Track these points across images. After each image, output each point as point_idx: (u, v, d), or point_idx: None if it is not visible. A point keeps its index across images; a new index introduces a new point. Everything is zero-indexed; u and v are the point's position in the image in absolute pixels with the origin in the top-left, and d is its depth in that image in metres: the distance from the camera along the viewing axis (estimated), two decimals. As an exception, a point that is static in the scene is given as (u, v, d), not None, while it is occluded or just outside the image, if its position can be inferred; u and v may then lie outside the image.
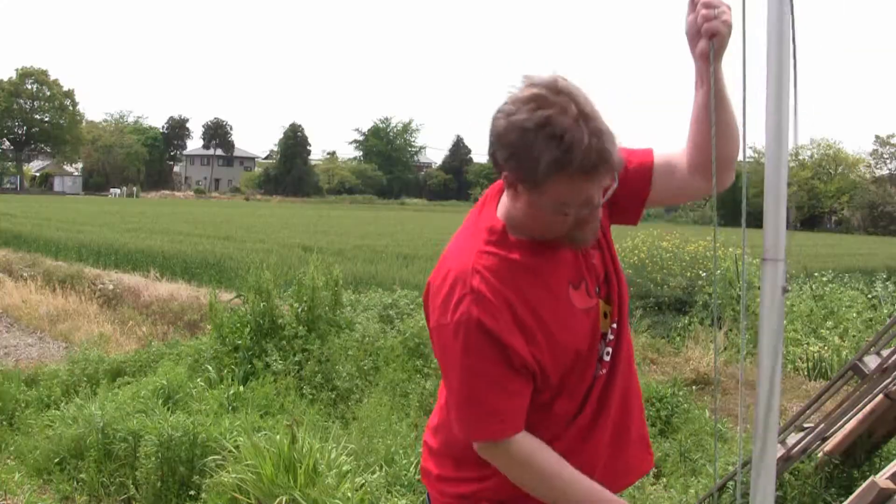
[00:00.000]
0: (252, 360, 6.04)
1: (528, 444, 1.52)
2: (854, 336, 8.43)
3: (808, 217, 53.48)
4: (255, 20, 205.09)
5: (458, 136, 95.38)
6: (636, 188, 1.69)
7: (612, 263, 1.69)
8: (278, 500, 3.78)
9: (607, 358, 1.64)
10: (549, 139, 1.36)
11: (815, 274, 12.64)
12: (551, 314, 1.52)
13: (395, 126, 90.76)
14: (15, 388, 6.29)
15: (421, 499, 4.04)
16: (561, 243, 1.55)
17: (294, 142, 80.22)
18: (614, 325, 1.66)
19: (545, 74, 1.42)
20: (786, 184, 1.24)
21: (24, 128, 71.24)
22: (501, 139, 1.41)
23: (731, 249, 10.76)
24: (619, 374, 1.67)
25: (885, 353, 3.27)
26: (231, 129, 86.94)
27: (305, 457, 3.95)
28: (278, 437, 4.20)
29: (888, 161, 61.75)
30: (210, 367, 6.07)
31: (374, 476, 4.13)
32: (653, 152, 1.71)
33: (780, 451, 3.47)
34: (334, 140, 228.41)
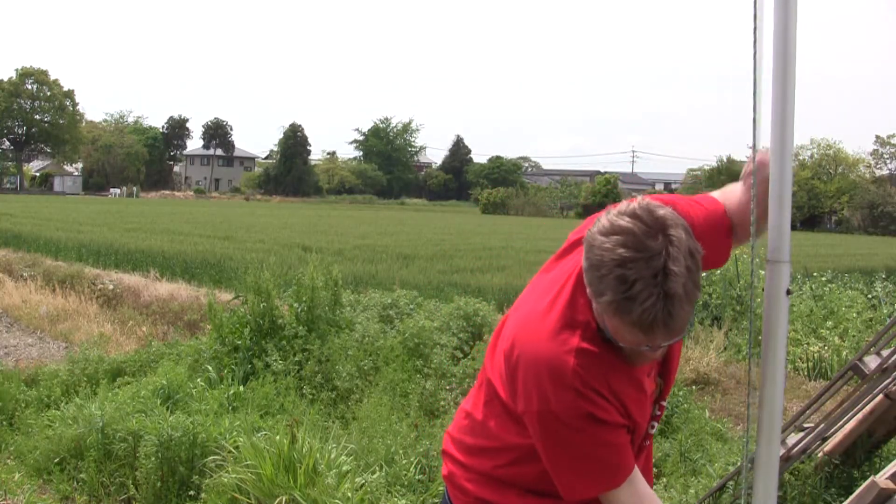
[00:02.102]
0: (252, 360, 6.04)
1: (640, 474, 1.61)
2: (854, 336, 8.43)
3: (808, 217, 53.47)
4: (254, 20, 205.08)
5: (458, 136, 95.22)
6: (718, 245, 1.79)
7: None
8: (278, 500, 3.78)
9: (652, 431, 1.72)
10: (619, 282, 1.34)
11: (815, 274, 12.64)
12: (634, 404, 1.57)
13: (395, 126, 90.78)
14: (15, 388, 6.28)
15: (421, 499, 4.04)
16: None
17: (294, 142, 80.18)
18: (663, 403, 1.74)
19: (661, 205, 1.40)
20: (790, 187, 1.24)
21: (24, 128, 71.19)
22: (586, 251, 1.40)
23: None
24: (652, 442, 1.79)
25: (885, 353, 3.27)
26: (231, 129, 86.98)
27: (305, 457, 3.95)
28: (278, 437, 4.19)
29: (888, 161, 61.79)
30: (210, 367, 6.06)
31: (374, 476, 4.13)
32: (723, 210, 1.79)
33: (781, 451, 3.47)
34: (334, 140, 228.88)
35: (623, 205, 1.41)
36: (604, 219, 1.40)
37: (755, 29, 1.16)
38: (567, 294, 1.57)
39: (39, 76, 70.50)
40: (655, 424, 1.73)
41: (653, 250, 1.33)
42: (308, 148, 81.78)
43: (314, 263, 6.72)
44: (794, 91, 1.22)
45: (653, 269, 1.32)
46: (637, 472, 1.59)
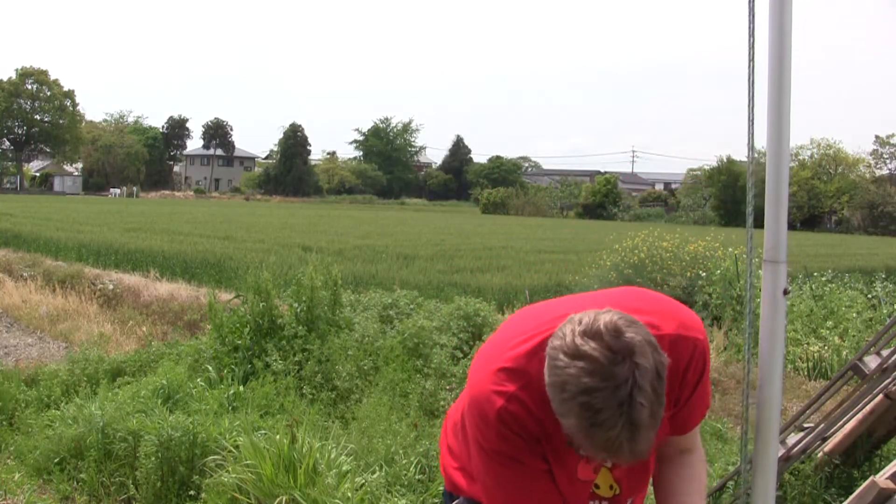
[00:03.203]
0: (252, 360, 6.04)
1: None
2: (854, 336, 8.42)
3: (808, 217, 53.47)
4: (254, 20, 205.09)
5: (458, 136, 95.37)
6: (688, 423, 1.68)
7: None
8: (278, 500, 3.78)
9: None
10: (583, 409, 1.31)
11: (815, 274, 12.64)
12: (560, 470, 1.59)
13: (395, 126, 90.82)
14: (15, 388, 6.28)
15: (421, 498, 4.04)
16: None
17: (294, 142, 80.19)
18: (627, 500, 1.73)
19: (630, 323, 1.34)
20: (787, 188, 1.24)
21: (24, 128, 71.21)
22: (549, 367, 1.36)
23: (730, 249, 10.76)
24: None
25: (885, 352, 3.27)
26: (231, 129, 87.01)
27: (305, 457, 3.95)
28: (278, 436, 4.20)
29: (888, 161, 61.79)
30: (210, 367, 6.06)
31: (374, 476, 4.13)
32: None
33: (780, 451, 3.47)
34: (334, 140, 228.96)
35: (589, 320, 1.34)
36: (569, 335, 1.34)
37: (750, 31, 1.16)
38: (534, 343, 1.52)
39: (39, 76, 70.50)
40: None
41: (619, 379, 1.29)
42: (308, 148, 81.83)
43: (314, 263, 6.72)
44: (789, 91, 1.22)
45: (619, 398, 1.29)
46: None
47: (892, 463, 3.35)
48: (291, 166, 78.75)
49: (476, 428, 1.56)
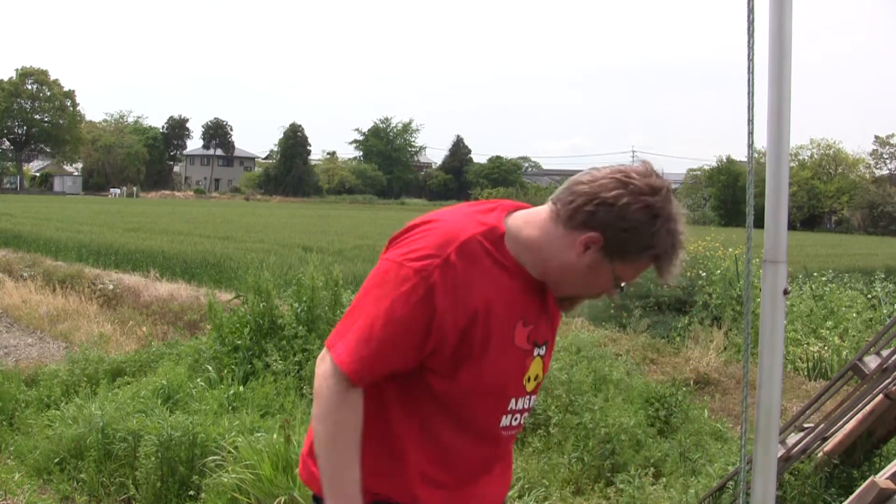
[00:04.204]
0: (252, 360, 6.04)
1: (354, 400, 1.54)
2: (854, 336, 8.43)
3: (808, 217, 53.48)
4: (255, 20, 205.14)
5: (458, 136, 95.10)
6: None
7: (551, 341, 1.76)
8: (277, 500, 3.78)
9: (514, 423, 1.70)
10: (668, 234, 1.50)
11: (815, 274, 12.64)
12: (497, 331, 1.57)
13: (395, 126, 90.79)
14: (15, 388, 6.28)
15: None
16: (552, 292, 1.65)
17: (294, 142, 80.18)
18: (533, 397, 1.72)
19: (661, 174, 1.55)
20: (787, 188, 1.24)
21: (24, 128, 71.22)
22: (624, 211, 1.49)
23: (730, 249, 10.76)
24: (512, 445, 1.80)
25: (885, 353, 3.27)
26: (231, 129, 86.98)
27: (305, 457, 3.95)
28: (276, 437, 4.19)
29: (888, 161, 61.82)
30: (210, 367, 6.06)
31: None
32: None
33: (780, 451, 3.47)
34: (334, 140, 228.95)
35: (638, 168, 1.54)
36: (633, 183, 1.50)
37: (749, 31, 1.16)
38: (490, 206, 1.64)
39: (39, 76, 70.53)
40: (518, 417, 1.69)
41: (677, 205, 1.53)
42: (308, 148, 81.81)
43: (314, 263, 6.71)
44: (789, 91, 1.22)
45: (680, 221, 1.53)
46: (355, 398, 1.53)
47: (892, 463, 3.35)
48: (291, 166, 78.74)
49: (411, 250, 1.53)
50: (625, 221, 1.49)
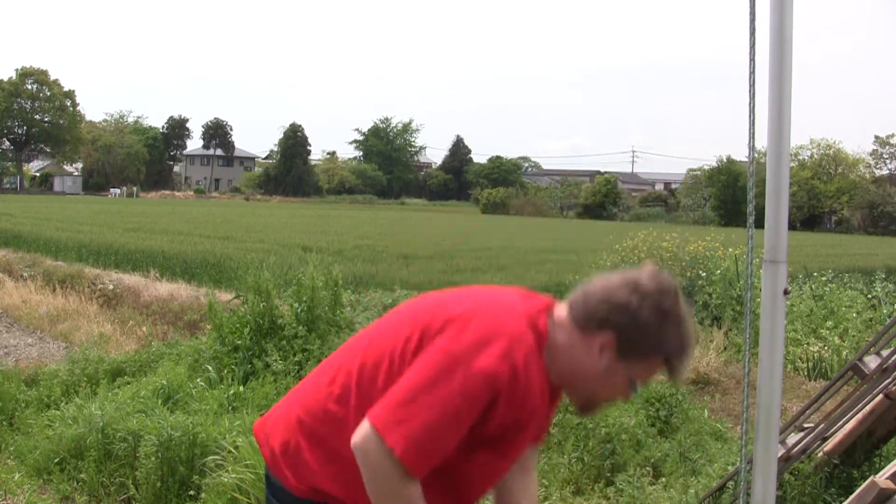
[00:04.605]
0: (252, 360, 6.04)
1: (413, 487, 1.57)
2: (854, 336, 8.42)
3: (808, 217, 53.45)
4: (255, 20, 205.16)
5: (458, 136, 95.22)
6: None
7: None
8: (278, 500, 3.78)
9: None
10: (677, 335, 1.58)
11: (815, 274, 12.64)
12: (522, 434, 1.68)
13: (395, 126, 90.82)
14: (15, 388, 6.28)
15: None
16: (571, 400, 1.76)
17: (294, 142, 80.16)
18: None
19: (670, 276, 1.63)
20: (787, 188, 1.24)
21: (24, 128, 71.16)
22: (633, 312, 1.57)
23: (730, 249, 10.76)
24: None
25: (885, 353, 3.27)
26: (231, 129, 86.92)
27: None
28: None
29: (888, 161, 61.78)
30: (210, 367, 6.06)
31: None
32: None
33: (780, 451, 3.47)
34: (334, 140, 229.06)
35: (648, 271, 1.62)
36: (643, 286, 1.58)
37: (751, 31, 1.16)
38: (541, 305, 1.69)
39: (39, 76, 70.47)
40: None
41: (685, 307, 1.60)
42: (308, 148, 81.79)
43: (314, 263, 6.71)
44: (790, 91, 1.22)
45: (689, 322, 1.60)
46: (419, 488, 1.56)
47: (892, 463, 3.35)
48: (291, 166, 78.73)
49: (478, 348, 1.54)
50: (636, 322, 1.56)
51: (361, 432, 1.54)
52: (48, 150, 73.23)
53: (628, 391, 1.65)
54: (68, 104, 71.41)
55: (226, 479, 4.04)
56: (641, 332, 1.57)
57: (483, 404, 1.54)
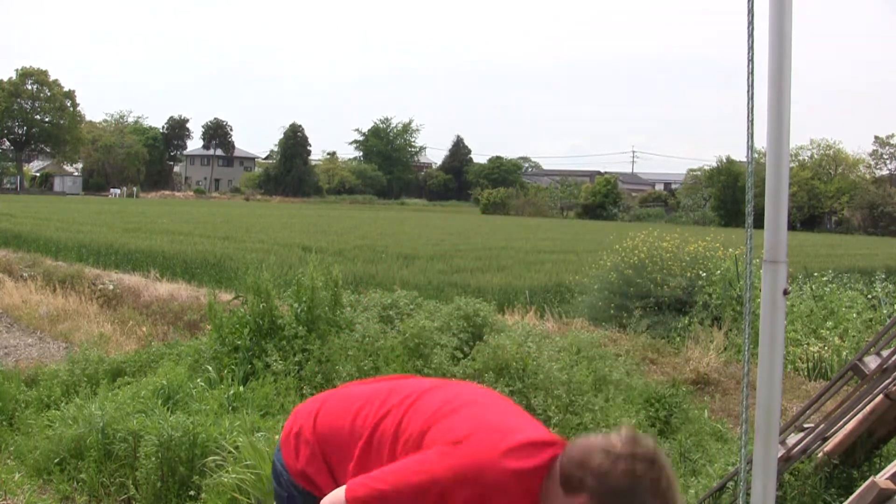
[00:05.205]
0: (252, 360, 6.04)
1: None
2: (854, 336, 8.43)
3: (808, 217, 53.45)
4: (255, 20, 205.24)
5: (458, 136, 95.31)
6: None
7: None
8: (278, 500, 3.78)
9: None
10: (653, 497, 1.58)
11: (815, 274, 12.64)
12: None
13: (395, 126, 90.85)
14: (15, 388, 6.28)
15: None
16: None
17: (294, 142, 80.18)
18: None
19: (646, 439, 1.64)
20: (787, 188, 1.24)
21: (24, 128, 71.16)
22: (607, 477, 1.59)
23: (730, 250, 10.76)
24: None
25: (885, 353, 3.27)
26: (231, 129, 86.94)
27: (305, 457, 3.95)
28: (277, 437, 4.19)
29: (888, 161, 61.79)
30: (210, 368, 6.06)
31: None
32: None
33: (780, 451, 3.47)
34: (334, 140, 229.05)
35: (621, 436, 1.63)
36: (616, 451, 1.60)
37: (749, 31, 1.16)
38: (540, 461, 1.76)
39: (39, 76, 70.47)
40: None
41: (662, 468, 1.61)
42: (308, 148, 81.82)
43: (314, 263, 6.71)
44: (789, 91, 1.22)
45: (667, 482, 1.60)
46: None
47: (893, 463, 3.35)
48: (291, 166, 78.74)
49: (456, 480, 1.71)
50: (607, 486, 1.59)
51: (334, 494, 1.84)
52: (48, 150, 73.22)
53: None
54: (68, 104, 71.40)
55: (226, 480, 4.04)
56: (614, 497, 1.59)
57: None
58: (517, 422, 1.86)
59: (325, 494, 1.91)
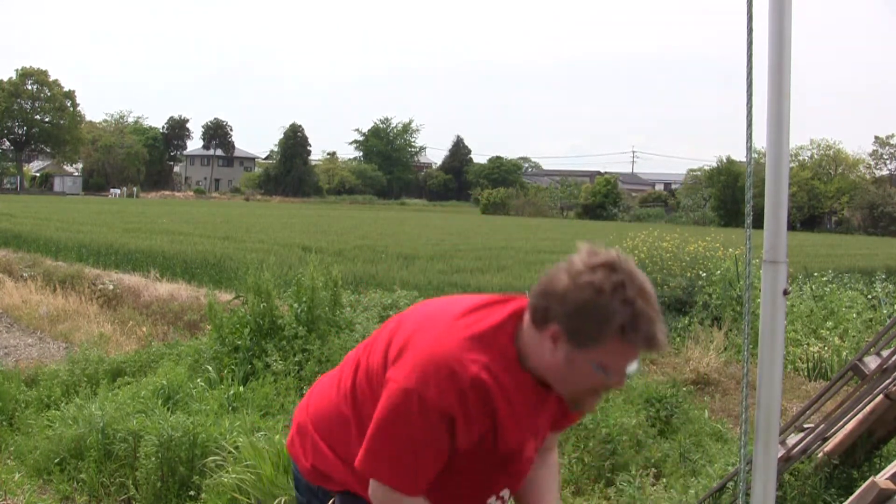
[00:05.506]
0: (252, 360, 6.04)
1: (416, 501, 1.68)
2: (854, 336, 8.42)
3: (808, 217, 53.44)
4: (255, 20, 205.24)
5: (458, 136, 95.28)
6: (564, 423, 1.91)
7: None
8: (278, 500, 3.78)
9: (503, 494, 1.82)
10: (623, 304, 1.47)
11: (815, 274, 12.64)
12: (502, 440, 1.67)
13: (395, 126, 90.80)
14: (15, 388, 6.28)
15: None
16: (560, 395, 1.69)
17: (294, 142, 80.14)
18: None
19: (607, 250, 1.54)
20: (787, 188, 1.24)
21: (25, 128, 71.12)
22: (567, 296, 1.51)
23: (730, 250, 10.76)
24: None
25: (885, 353, 3.27)
26: (231, 129, 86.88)
27: (305, 457, 3.95)
28: (277, 437, 4.20)
29: (888, 161, 61.78)
30: (210, 368, 6.06)
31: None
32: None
33: (780, 452, 3.47)
34: (334, 140, 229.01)
35: (586, 248, 1.56)
36: (578, 262, 1.52)
37: (749, 30, 1.16)
38: (499, 318, 1.65)
39: (39, 76, 70.44)
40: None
41: (630, 274, 1.50)
42: (308, 148, 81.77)
43: (314, 264, 6.71)
44: (789, 91, 1.22)
45: (638, 288, 1.49)
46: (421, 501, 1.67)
47: (893, 463, 3.35)
48: (291, 166, 78.72)
49: (426, 384, 1.57)
50: (571, 305, 1.50)
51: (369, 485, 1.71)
52: (48, 150, 73.19)
53: (605, 380, 1.56)
54: (68, 104, 71.37)
55: (226, 480, 4.04)
56: (581, 315, 1.49)
57: (445, 427, 1.60)
58: (460, 301, 1.74)
59: (339, 484, 1.83)
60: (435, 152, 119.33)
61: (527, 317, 1.61)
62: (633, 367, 1.56)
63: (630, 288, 1.47)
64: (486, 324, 1.64)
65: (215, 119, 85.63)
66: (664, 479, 4.42)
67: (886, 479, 3.11)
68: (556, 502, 1.88)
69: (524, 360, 1.62)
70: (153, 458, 4.41)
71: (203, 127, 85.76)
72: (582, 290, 1.48)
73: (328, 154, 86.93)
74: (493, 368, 1.59)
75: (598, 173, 73.10)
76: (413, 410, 1.58)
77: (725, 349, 7.91)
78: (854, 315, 9.21)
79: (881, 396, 3.62)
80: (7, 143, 71.98)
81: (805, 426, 3.66)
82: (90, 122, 79.27)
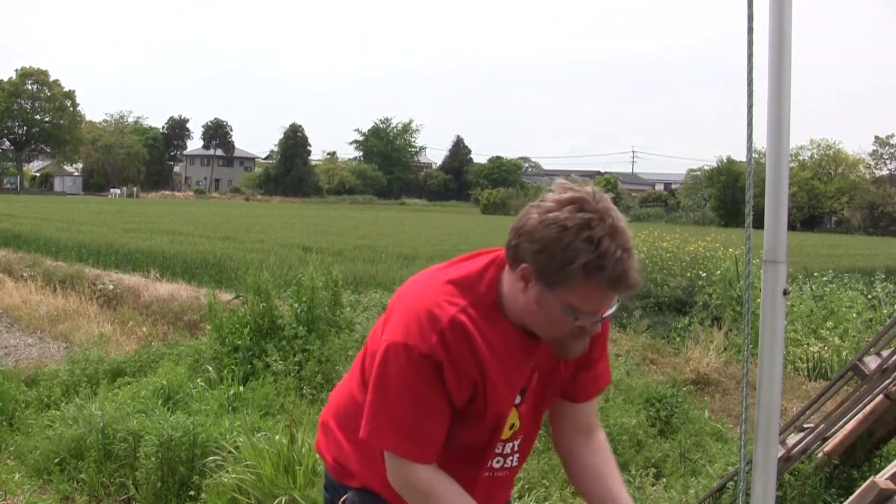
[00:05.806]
0: (252, 360, 6.04)
1: (433, 474, 1.63)
2: (854, 336, 8.42)
3: (808, 217, 53.45)
4: (255, 20, 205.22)
5: (458, 136, 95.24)
6: (587, 388, 1.80)
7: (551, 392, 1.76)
8: (278, 500, 3.78)
9: (498, 465, 1.76)
10: (587, 242, 1.42)
11: (815, 274, 12.64)
12: (494, 392, 1.62)
13: (395, 126, 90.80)
14: (15, 388, 6.28)
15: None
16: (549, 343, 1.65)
17: (294, 142, 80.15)
18: (516, 442, 1.76)
19: (583, 185, 1.50)
20: (787, 188, 1.24)
21: (25, 128, 71.15)
22: (534, 233, 1.47)
23: (731, 250, 10.76)
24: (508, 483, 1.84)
25: (885, 353, 3.27)
26: (231, 129, 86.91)
27: (305, 457, 3.95)
28: (277, 437, 4.20)
29: (888, 161, 61.81)
30: (210, 368, 6.06)
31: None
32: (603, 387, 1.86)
33: (780, 452, 3.47)
34: (334, 140, 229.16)
35: (543, 195, 1.51)
36: (540, 204, 1.49)
37: (749, 30, 1.16)
38: (478, 266, 1.63)
39: (39, 76, 70.47)
40: (501, 461, 1.77)
41: (602, 211, 1.45)
42: (308, 148, 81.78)
43: (314, 264, 6.71)
44: (789, 91, 1.22)
45: (609, 226, 1.43)
46: (434, 470, 1.62)
47: (893, 463, 3.35)
48: (291, 166, 78.72)
49: (409, 334, 1.56)
50: (538, 243, 1.46)
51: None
52: (48, 150, 73.21)
53: (565, 324, 1.52)
54: (68, 104, 71.39)
55: (226, 480, 4.04)
56: (547, 252, 1.45)
57: (436, 378, 1.56)
58: (444, 263, 1.74)
59: (358, 480, 1.78)
60: (435, 152, 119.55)
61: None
62: (609, 310, 1.53)
63: (598, 226, 1.42)
64: (465, 270, 1.63)
65: (215, 119, 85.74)
66: (664, 479, 4.42)
67: (886, 479, 3.11)
68: (622, 489, 1.76)
69: (504, 305, 1.60)
70: (153, 458, 4.41)
71: (203, 127, 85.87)
72: (548, 227, 1.45)
73: (328, 154, 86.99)
74: (470, 312, 1.57)
75: (598, 173, 73.11)
76: (401, 361, 1.56)
77: (725, 349, 7.91)
78: (854, 315, 9.21)
79: (881, 396, 3.62)
80: (7, 143, 72.01)
81: (805, 426, 3.66)
82: (90, 122, 79.29)
